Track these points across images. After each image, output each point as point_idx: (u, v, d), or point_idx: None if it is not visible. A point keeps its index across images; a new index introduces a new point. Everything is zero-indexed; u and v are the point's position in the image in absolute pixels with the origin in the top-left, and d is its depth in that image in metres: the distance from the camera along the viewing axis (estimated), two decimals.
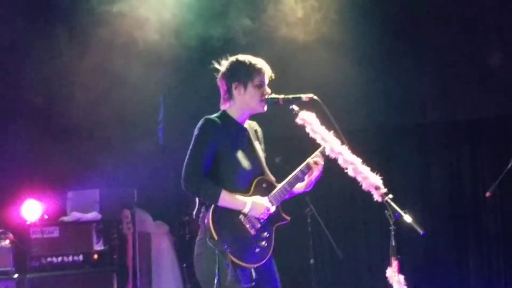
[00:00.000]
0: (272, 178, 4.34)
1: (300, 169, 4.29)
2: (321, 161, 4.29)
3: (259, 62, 4.27)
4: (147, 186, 7.50)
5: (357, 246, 8.03)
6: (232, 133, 4.22)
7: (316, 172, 4.30)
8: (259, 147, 4.38)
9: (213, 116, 4.23)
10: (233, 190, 4.11)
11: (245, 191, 4.16)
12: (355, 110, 7.67)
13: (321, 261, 7.78)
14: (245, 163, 4.21)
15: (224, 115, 4.26)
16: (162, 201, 8.16)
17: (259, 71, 4.23)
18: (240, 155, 4.20)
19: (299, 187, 4.37)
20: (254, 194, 4.18)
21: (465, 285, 7.74)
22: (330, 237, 6.55)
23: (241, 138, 4.28)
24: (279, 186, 4.27)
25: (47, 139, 7.26)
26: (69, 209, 7.04)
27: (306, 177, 4.33)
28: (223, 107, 4.31)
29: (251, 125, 4.41)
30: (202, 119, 4.19)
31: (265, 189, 4.24)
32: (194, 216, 4.20)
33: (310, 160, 4.30)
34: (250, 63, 4.24)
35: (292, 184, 4.28)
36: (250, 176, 4.21)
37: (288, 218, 4.31)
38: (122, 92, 7.14)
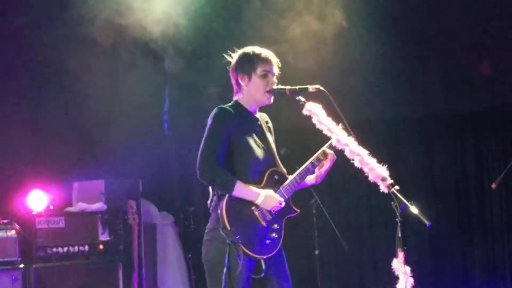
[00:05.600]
0: (284, 170, 4.33)
1: (310, 162, 4.29)
2: (331, 155, 4.29)
3: (264, 52, 4.25)
4: (152, 177, 7.51)
5: (362, 237, 8.03)
6: (245, 122, 4.22)
7: (326, 165, 4.31)
8: (271, 139, 4.38)
9: (226, 105, 4.22)
10: (246, 180, 4.09)
11: (258, 182, 4.15)
12: (361, 101, 7.65)
13: (326, 252, 7.79)
14: (258, 152, 4.20)
15: (237, 105, 4.26)
16: (167, 192, 8.19)
17: (263, 61, 4.21)
18: (253, 144, 4.19)
19: (309, 179, 4.37)
20: (266, 185, 4.17)
21: (470, 276, 7.74)
22: (335, 228, 6.56)
23: (254, 128, 4.28)
24: (290, 178, 4.27)
25: (53, 130, 7.26)
26: (74, 199, 7.06)
27: (316, 170, 4.33)
28: (235, 97, 4.31)
29: (262, 117, 4.41)
30: (216, 108, 4.18)
31: (277, 181, 4.23)
32: (208, 205, 4.19)
33: (320, 153, 4.31)
34: (254, 53, 4.23)
35: (302, 176, 4.27)
36: (263, 167, 4.20)
37: (298, 210, 4.30)
38: (127, 83, 7.14)
